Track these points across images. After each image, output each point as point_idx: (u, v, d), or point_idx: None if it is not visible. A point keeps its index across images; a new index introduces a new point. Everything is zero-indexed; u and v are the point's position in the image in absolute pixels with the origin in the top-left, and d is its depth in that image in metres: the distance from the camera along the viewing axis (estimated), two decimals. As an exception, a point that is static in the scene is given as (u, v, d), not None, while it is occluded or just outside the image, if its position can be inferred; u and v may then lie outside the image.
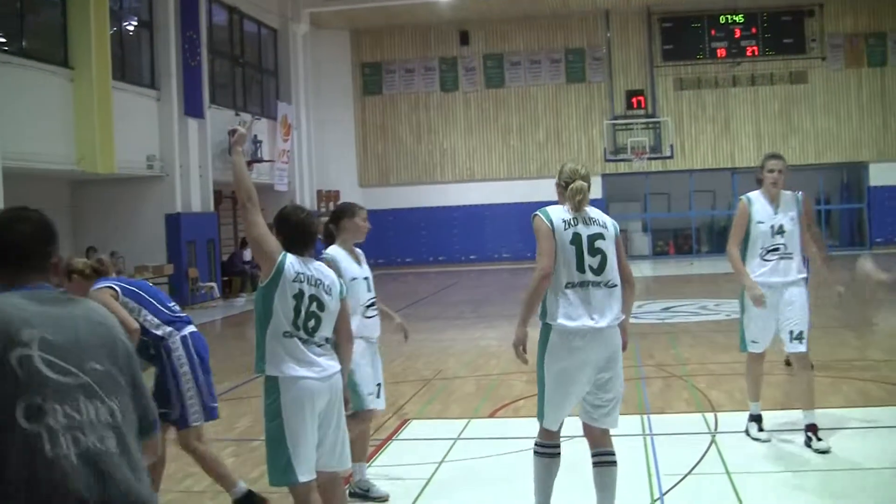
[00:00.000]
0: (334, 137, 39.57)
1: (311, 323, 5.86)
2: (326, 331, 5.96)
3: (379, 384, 7.78)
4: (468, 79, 39.78)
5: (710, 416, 10.14)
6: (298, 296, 5.83)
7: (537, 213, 6.52)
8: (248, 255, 30.25)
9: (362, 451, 7.91)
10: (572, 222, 6.44)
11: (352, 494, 7.67)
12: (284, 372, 5.76)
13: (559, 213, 6.49)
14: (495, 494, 7.88)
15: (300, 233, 6.04)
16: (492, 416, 10.99)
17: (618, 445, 7.87)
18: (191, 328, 7.55)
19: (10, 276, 3.26)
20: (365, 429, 7.91)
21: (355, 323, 7.01)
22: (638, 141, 37.43)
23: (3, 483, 2.86)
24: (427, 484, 8.15)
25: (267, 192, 33.82)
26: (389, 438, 9.79)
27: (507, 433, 10.00)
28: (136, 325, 7.02)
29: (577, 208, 6.48)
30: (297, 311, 5.81)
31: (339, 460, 6.07)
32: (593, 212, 6.57)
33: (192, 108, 27.42)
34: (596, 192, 38.27)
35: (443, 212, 38.53)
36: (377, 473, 8.54)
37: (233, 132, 6.19)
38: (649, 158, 37.38)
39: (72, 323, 3.15)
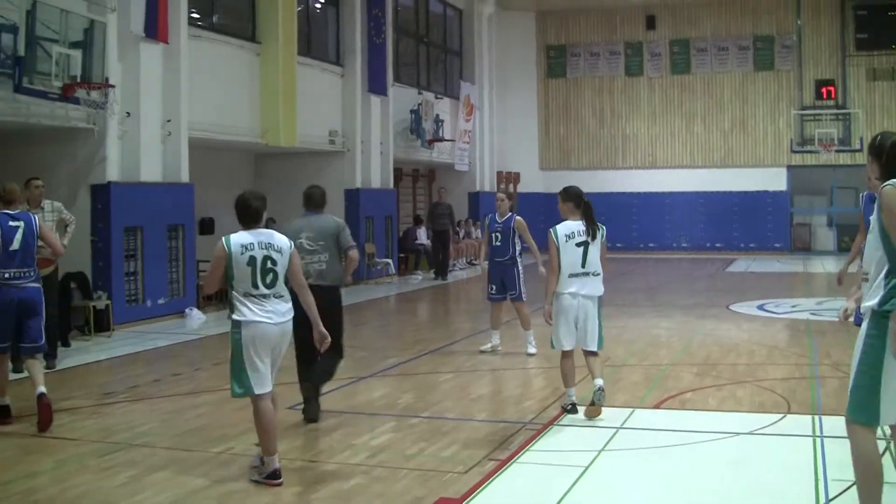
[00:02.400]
0: (516, 119, 39.56)
1: (269, 277, 7.79)
2: (282, 283, 7.88)
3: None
4: (653, 64, 39.21)
5: (885, 419, 9.74)
6: (251, 261, 7.74)
7: None
8: (422, 234, 30.40)
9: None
10: None
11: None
12: (246, 317, 7.73)
13: None
14: (653, 487, 7.70)
15: (241, 210, 7.93)
16: (657, 406, 10.79)
17: (785, 445, 7.64)
18: None
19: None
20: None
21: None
22: (826, 132, 36.29)
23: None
24: (585, 471, 8.01)
25: (447, 171, 34.02)
26: (551, 423, 9.69)
27: (671, 425, 9.83)
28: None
29: None
30: (254, 273, 7.74)
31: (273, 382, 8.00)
32: None
33: (376, 85, 27.63)
34: (780, 183, 37.43)
35: (623, 198, 38.05)
36: (536, 459, 8.47)
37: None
38: (837, 151, 36.22)
39: (314, 224, 9.84)
